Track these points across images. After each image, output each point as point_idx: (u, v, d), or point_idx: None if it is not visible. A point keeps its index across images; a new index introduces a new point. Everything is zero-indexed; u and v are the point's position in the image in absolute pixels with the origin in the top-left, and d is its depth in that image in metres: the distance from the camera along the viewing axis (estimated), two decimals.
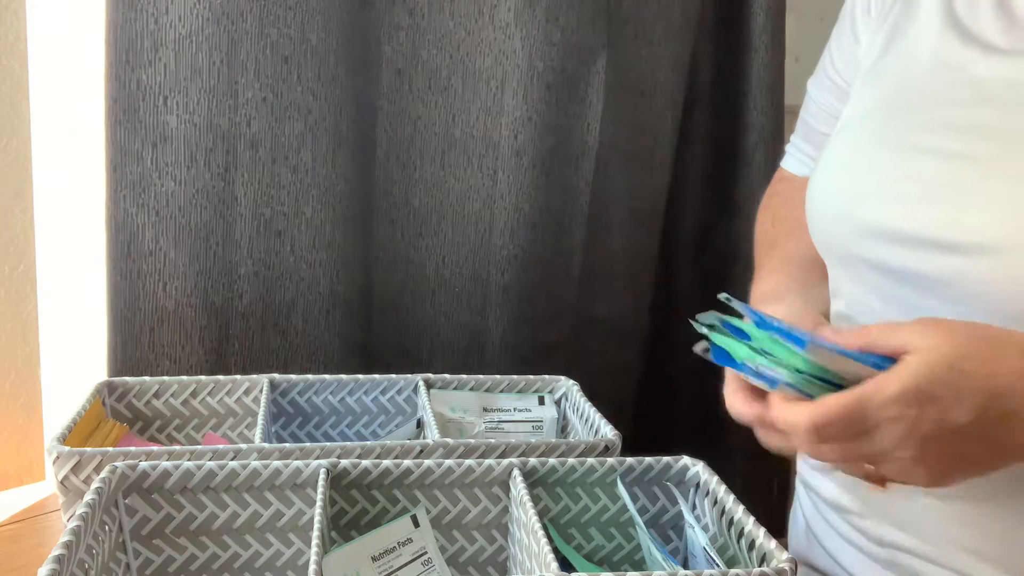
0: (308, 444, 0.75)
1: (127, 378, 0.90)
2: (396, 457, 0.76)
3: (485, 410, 0.94)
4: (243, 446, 0.73)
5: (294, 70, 1.05)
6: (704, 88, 1.38)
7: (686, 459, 0.72)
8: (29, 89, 1.04)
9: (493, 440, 0.79)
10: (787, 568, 0.57)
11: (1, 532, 0.95)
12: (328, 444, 0.76)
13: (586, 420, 0.89)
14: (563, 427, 0.95)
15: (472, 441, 0.79)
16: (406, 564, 0.64)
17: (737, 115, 1.36)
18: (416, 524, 0.66)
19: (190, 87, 1.01)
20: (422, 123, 1.16)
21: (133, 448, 0.72)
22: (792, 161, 0.95)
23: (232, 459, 0.70)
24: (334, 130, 1.08)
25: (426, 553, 0.66)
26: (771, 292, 0.78)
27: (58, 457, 0.69)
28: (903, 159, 0.67)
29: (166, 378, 0.90)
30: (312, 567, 0.55)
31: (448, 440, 0.78)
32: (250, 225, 1.06)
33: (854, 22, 0.83)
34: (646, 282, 1.35)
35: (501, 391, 0.96)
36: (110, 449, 0.71)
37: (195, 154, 1.02)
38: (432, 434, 0.82)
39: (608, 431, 0.82)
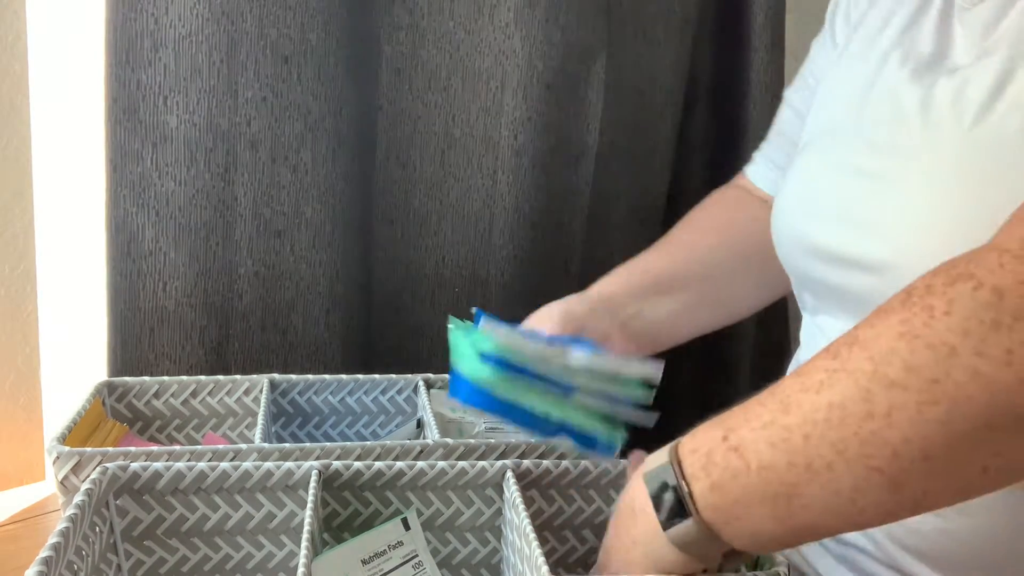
0: (308, 444, 0.75)
1: (127, 378, 0.89)
2: (396, 457, 0.75)
3: None
4: (243, 446, 0.73)
5: (294, 70, 1.05)
6: (704, 88, 1.38)
7: None
8: (29, 89, 1.04)
9: (493, 440, 0.79)
10: (781, 572, 0.57)
11: (1, 532, 0.95)
12: (328, 444, 0.75)
13: None
14: None
15: (472, 441, 0.78)
16: (396, 567, 0.64)
17: (737, 115, 1.36)
18: (407, 527, 0.66)
19: (190, 87, 1.01)
20: (422, 123, 1.16)
21: (133, 448, 0.72)
22: (759, 170, 0.94)
23: (232, 459, 0.70)
24: (334, 130, 1.08)
25: (417, 556, 0.65)
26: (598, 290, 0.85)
27: (58, 457, 0.69)
28: (834, 178, 0.69)
29: (166, 378, 0.90)
30: (301, 570, 0.55)
31: (448, 440, 0.78)
32: (250, 225, 1.06)
33: (833, 29, 0.84)
34: None
35: None
36: (110, 449, 0.70)
37: (195, 154, 1.02)
38: (432, 434, 0.82)
39: None
